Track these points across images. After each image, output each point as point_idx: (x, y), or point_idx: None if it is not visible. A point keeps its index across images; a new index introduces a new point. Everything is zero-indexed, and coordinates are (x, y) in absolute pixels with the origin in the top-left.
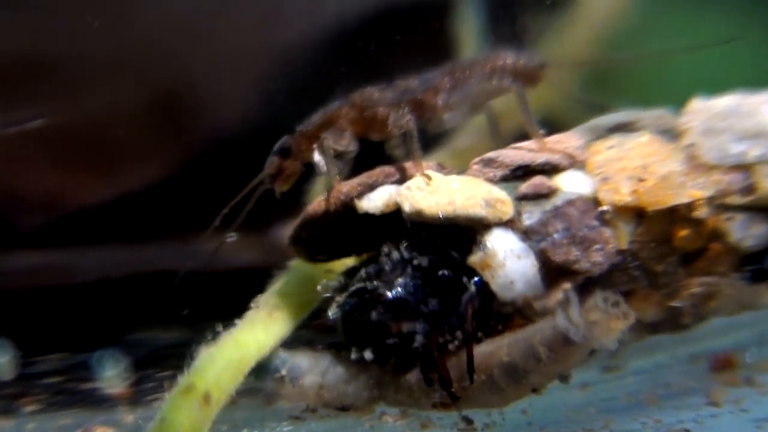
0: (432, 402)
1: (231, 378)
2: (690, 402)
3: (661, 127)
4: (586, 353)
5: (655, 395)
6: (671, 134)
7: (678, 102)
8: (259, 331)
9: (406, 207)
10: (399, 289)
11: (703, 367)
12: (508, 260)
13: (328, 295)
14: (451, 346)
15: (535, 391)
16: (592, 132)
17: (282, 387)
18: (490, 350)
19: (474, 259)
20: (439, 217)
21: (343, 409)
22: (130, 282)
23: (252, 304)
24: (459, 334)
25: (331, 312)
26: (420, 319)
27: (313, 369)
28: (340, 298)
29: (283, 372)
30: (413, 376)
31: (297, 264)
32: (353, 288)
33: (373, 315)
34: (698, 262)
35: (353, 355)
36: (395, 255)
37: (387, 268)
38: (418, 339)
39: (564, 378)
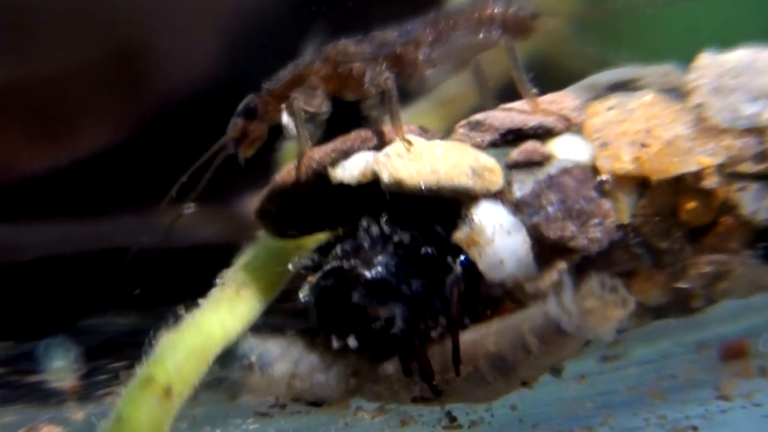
0: (412, 396)
1: (194, 368)
2: (697, 395)
3: (666, 85)
4: (581, 344)
5: (659, 388)
6: (677, 93)
7: (685, 56)
8: (224, 313)
9: (385, 176)
10: (379, 268)
11: (712, 356)
12: (497, 236)
13: (300, 272)
14: (433, 334)
15: (525, 384)
16: (590, 91)
17: (250, 376)
18: (476, 339)
19: (459, 235)
20: (421, 188)
21: (316, 404)
22: (81, 261)
23: (217, 280)
24: (442, 319)
25: (303, 294)
26: (399, 303)
27: (284, 356)
28: (313, 279)
29: (252, 359)
30: (392, 366)
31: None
32: (328, 267)
33: (354, 297)
34: (707, 238)
35: (334, 344)
36: (374, 230)
37: (366, 244)
38: (397, 324)
39: (556, 371)
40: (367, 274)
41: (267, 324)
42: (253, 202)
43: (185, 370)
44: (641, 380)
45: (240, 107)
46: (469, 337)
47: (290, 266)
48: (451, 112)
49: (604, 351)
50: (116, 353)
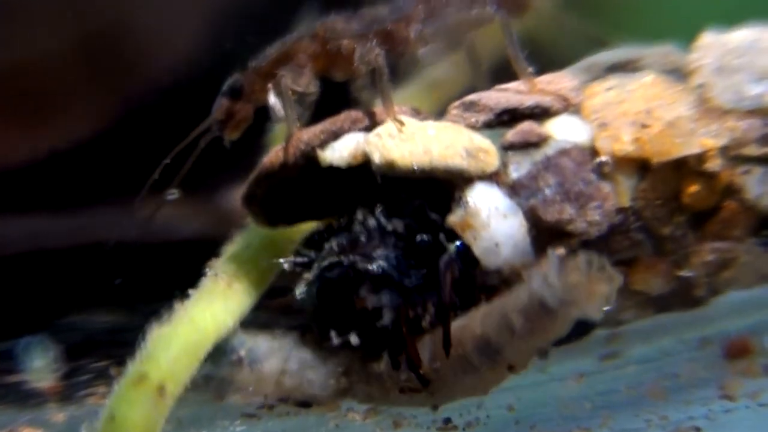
0: (399, 386)
1: (188, 364)
2: (700, 395)
3: (667, 65)
4: (568, 324)
5: (660, 387)
6: (679, 74)
7: (686, 36)
8: (217, 307)
9: (376, 157)
10: (381, 262)
11: (716, 353)
12: (492, 220)
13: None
14: (423, 323)
15: (512, 369)
16: (589, 71)
17: (239, 372)
18: (464, 324)
19: (453, 218)
20: (414, 170)
21: (305, 405)
22: (61, 256)
23: (207, 270)
24: (431, 307)
25: (300, 291)
26: (387, 291)
27: (274, 352)
28: (309, 276)
29: (241, 354)
30: (384, 363)
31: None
32: (326, 263)
33: (361, 293)
34: (710, 223)
35: (334, 341)
36: (371, 222)
37: (362, 238)
38: (387, 315)
39: (542, 353)
40: (370, 268)
41: (255, 321)
42: (239, 193)
43: (179, 366)
44: (642, 379)
45: (225, 87)
46: (457, 323)
47: (284, 264)
48: (441, 96)
49: (603, 349)
50: (99, 352)
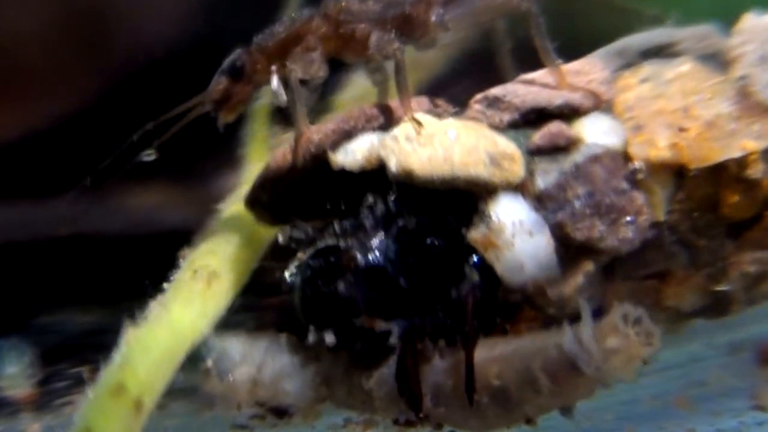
0: (393, 418)
1: (165, 374)
2: (731, 405)
3: (705, 50)
4: (597, 386)
5: (687, 397)
6: (718, 61)
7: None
8: (196, 309)
9: (392, 165)
10: (376, 253)
11: (747, 359)
12: (517, 238)
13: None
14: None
15: (529, 422)
16: (621, 57)
17: (208, 382)
18: (476, 363)
19: (475, 235)
20: (433, 180)
21: (280, 413)
22: (37, 249)
23: (182, 261)
24: (442, 335)
25: (289, 273)
26: (397, 319)
27: (245, 360)
28: (302, 256)
29: (209, 363)
30: (374, 381)
31: (237, 210)
32: (321, 245)
33: (340, 287)
34: (750, 232)
35: (309, 337)
36: (380, 208)
37: (367, 224)
38: (393, 338)
39: (566, 411)
40: (361, 258)
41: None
42: (229, 181)
43: (157, 376)
44: (667, 388)
45: (225, 64)
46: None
47: (279, 237)
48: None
49: None
50: (77, 356)
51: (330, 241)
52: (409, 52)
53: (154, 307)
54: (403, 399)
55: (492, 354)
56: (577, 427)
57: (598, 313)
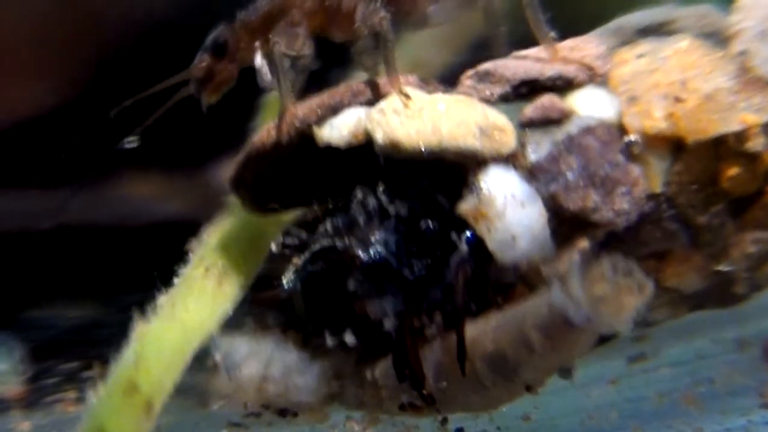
0: (399, 403)
1: (175, 372)
2: (739, 404)
3: (704, 28)
4: (593, 339)
5: (694, 394)
6: (717, 38)
7: None
8: (207, 308)
9: (379, 136)
10: (378, 247)
11: (755, 356)
12: (508, 208)
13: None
14: (427, 331)
15: (530, 389)
16: (617, 35)
17: (215, 380)
18: (473, 336)
19: (465, 206)
20: (421, 151)
21: (284, 413)
22: (25, 241)
23: (191, 256)
24: (438, 313)
25: (287, 279)
26: (389, 295)
27: (254, 355)
28: (298, 261)
29: (217, 359)
30: (378, 370)
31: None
32: (318, 247)
33: (350, 285)
34: (752, 211)
35: (329, 341)
36: (371, 202)
37: (360, 219)
38: (388, 321)
39: (566, 372)
40: (364, 255)
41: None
42: (227, 171)
43: (169, 375)
44: (674, 385)
45: (208, 41)
46: (466, 334)
47: (273, 246)
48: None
49: (631, 350)
50: (68, 352)
51: (325, 242)
52: (409, 53)
53: (165, 303)
54: (406, 380)
55: (486, 326)
56: (582, 425)
57: None
